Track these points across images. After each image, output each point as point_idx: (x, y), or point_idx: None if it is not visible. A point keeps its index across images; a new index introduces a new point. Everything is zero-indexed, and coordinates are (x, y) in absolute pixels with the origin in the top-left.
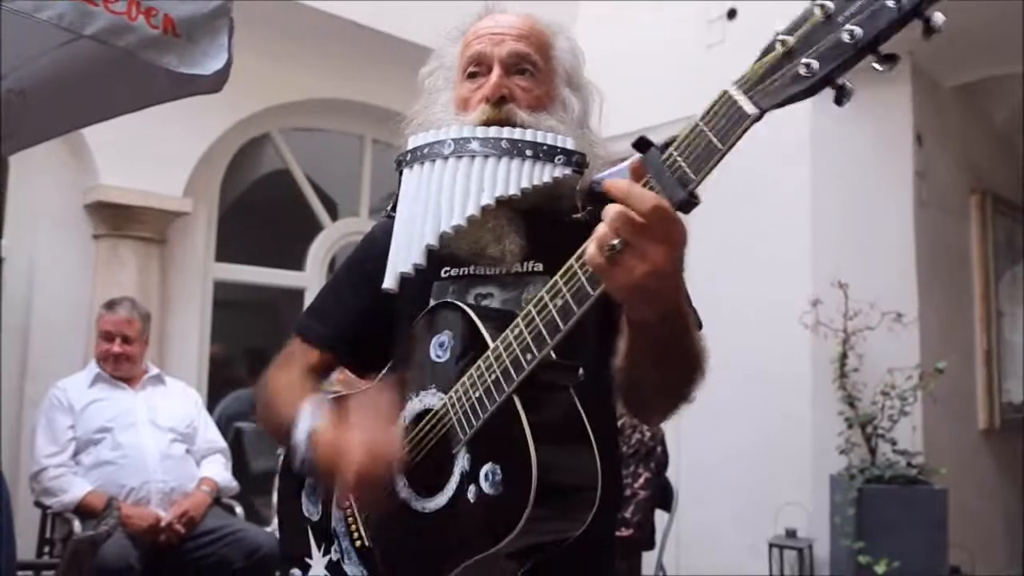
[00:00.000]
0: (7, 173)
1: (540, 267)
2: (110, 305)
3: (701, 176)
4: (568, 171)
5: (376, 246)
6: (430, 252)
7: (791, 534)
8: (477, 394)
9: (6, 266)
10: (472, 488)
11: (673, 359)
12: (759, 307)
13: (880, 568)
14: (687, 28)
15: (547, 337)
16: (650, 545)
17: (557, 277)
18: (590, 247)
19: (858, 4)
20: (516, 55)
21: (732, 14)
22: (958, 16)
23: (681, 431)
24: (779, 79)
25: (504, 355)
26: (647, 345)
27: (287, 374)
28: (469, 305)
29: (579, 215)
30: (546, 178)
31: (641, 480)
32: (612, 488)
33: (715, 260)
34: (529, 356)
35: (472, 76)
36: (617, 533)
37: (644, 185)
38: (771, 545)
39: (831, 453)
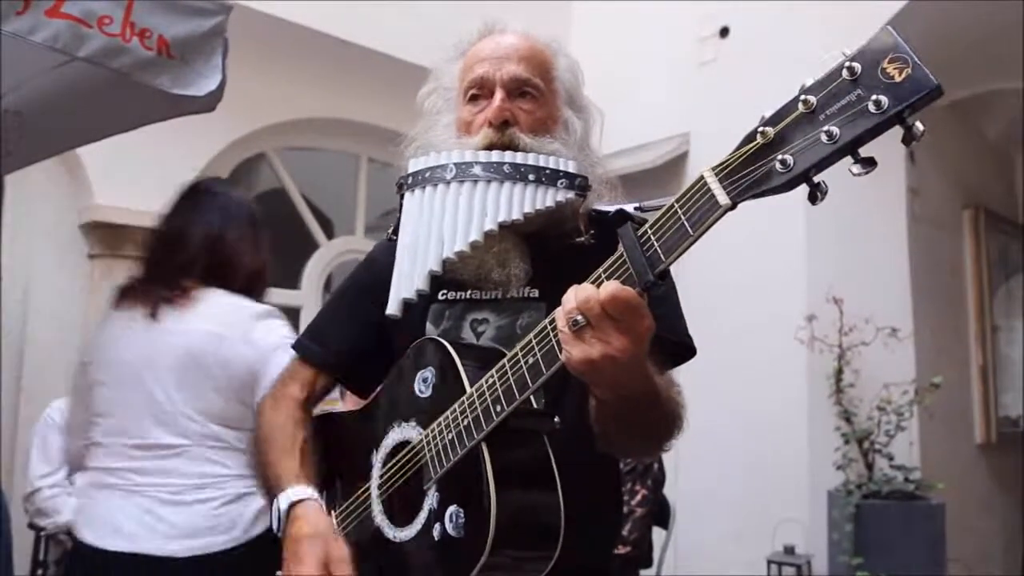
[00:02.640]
0: (3, 193)
1: (536, 293)
2: None
3: (670, 259)
4: (571, 195)
5: (375, 268)
6: (432, 276)
7: (789, 550)
8: (450, 436)
9: (2, 286)
10: (438, 526)
11: (637, 427)
12: (754, 323)
13: None
14: (680, 46)
15: (516, 393)
16: (648, 562)
17: (531, 336)
18: (559, 317)
19: (840, 104)
20: (518, 79)
21: (724, 32)
22: (951, 32)
23: (678, 448)
24: (755, 172)
25: (477, 403)
26: (610, 416)
27: (280, 412)
28: (455, 344)
29: (582, 238)
30: (549, 202)
31: (638, 497)
32: (606, 521)
33: (710, 277)
34: (499, 407)
35: (474, 99)
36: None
37: (616, 260)
38: (769, 562)
39: (828, 469)
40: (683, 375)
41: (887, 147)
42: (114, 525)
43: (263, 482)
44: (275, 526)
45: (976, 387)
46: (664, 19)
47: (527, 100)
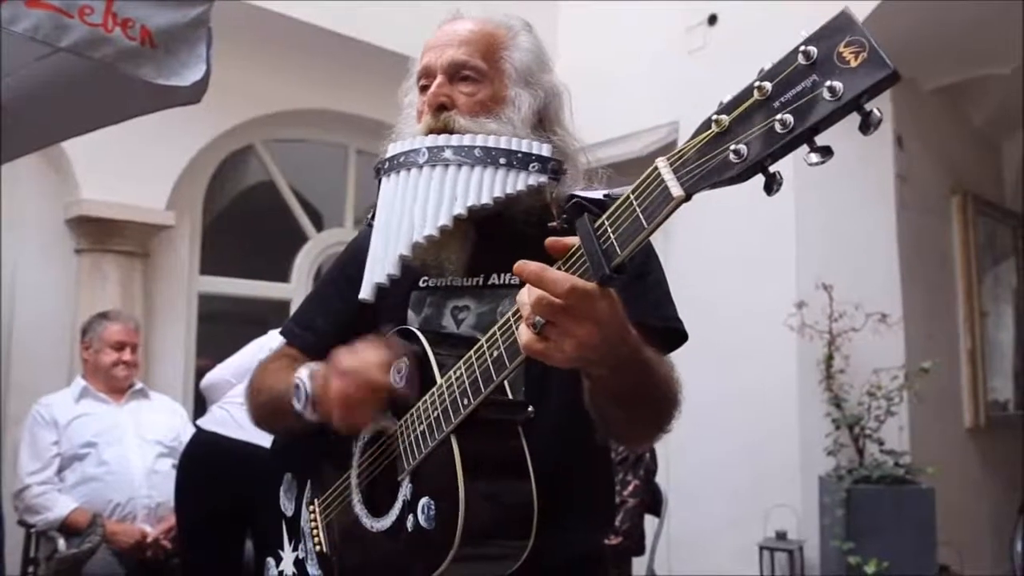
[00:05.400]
0: None
1: (517, 280)
2: (107, 316)
3: (626, 252)
4: (543, 179)
5: (358, 254)
6: (407, 262)
7: (781, 536)
8: (421, 428)
9: None
10: (411, 518)
11: (635, 402)
12: (744, 310)
13: (870, 568)
14: (668, 34)
15: (481, 386)
16: (640, 551)
17: (495, 328)
18: (521, 328)
19: (795, 91)
20: (455, 63)
21: (712, 20)
22: (937, 19)
23: (670, 436)
24: (709, 162)
25: (446, 395)
26: (606, 393)
27: (273, 364)
28: (428, 334)
29: (554, 223)
30: (520, 186)
31: (630, 487)
32: (598, 508)
33: (701, 264)
34: (465, 401)
35: (424, 88)
36: (605, 541)
37: (574, 253)
38: (761, 548)
39: (819, 455)
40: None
41: (875, 135)
42: (241, 425)
43: (268, 424)
44: (300, 405)
45: (965, 372)
46: (652, 7)
47: (467, 83)
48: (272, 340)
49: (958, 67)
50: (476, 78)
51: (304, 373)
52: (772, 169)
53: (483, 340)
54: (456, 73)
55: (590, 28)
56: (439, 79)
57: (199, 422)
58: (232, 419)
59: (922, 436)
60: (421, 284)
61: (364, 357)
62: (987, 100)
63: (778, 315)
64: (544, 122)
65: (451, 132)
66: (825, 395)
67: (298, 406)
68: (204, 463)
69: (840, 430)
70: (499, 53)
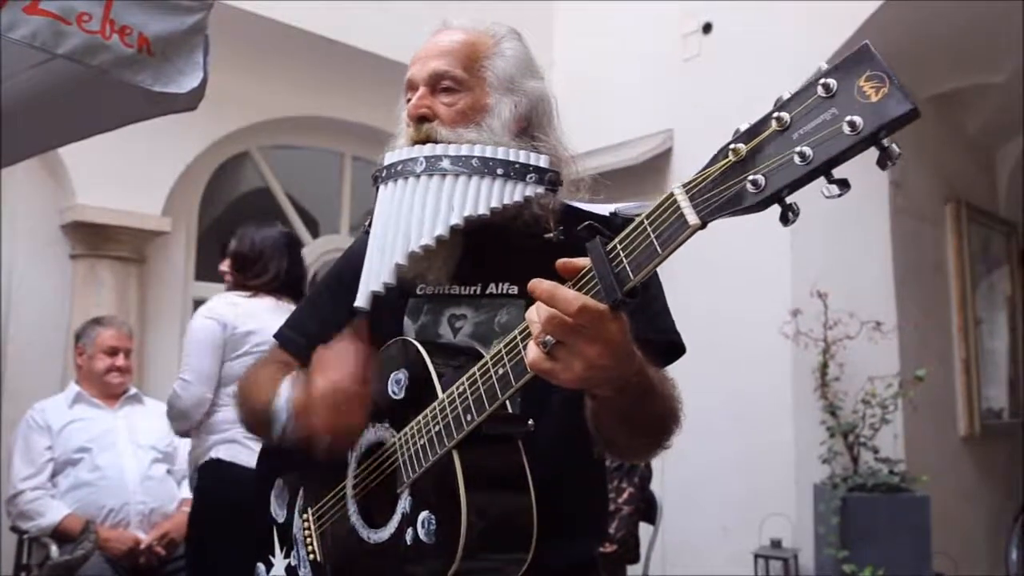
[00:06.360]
0: None
1: (515, 290)
2: (101, 322)
3: (639, 277)
4: (540, 190)
5: (354, 260)
6: (401, 270)
7: (776, 544)
8: (422, 441)
9: None
10: (410, 531)
11: (638, 421)
12: (739, 318)
13: None
14: (663, 42)
15: (486, 403)
16: (635, 559)
17: (501, 346)
18: (530, 346)
19: (814, 124)
20: (435, 74)
21: (707, 28)
22: (931, 27)
23: None
24: (726, 191)
25: (448, 410)
26: (609, 412)
27: (264, 370)
28: (427, 345)
29: (551, 234)
30: (517, 197)
31: (625, 495)
32: (592, 519)
33: (695, 273)
34: (469, 417)
35: (410, 100)
36: (600, 549)
37: (585, 275)
38: (756, 556)
39: (814, 462)
40: (667, 370)
41: None
42: (250, 449)
43: (254, 427)
44: (280, 432)
45: (959, 380)
46: (647, 15)
47: (447, 93)
48: (202, 328)
49: (952, 75)
50: (456, 88)
51: (283, 401)
52: (789, 200)
53: (488, 358)
54: (437, 84)
55: (585, 36)
56: (420, 91)
57: (217, 455)
58: (250, 449)
59: (917, 444)
60: (418, 291)
61: (345, 357)
62: (981, 108)
63: (773, 323)
64: (529, 129)
65: (434, 142)
66: (820, 403)
67: (277, 427)
68: (230, 494)
69: (835, 438)
70: (480, 62)
